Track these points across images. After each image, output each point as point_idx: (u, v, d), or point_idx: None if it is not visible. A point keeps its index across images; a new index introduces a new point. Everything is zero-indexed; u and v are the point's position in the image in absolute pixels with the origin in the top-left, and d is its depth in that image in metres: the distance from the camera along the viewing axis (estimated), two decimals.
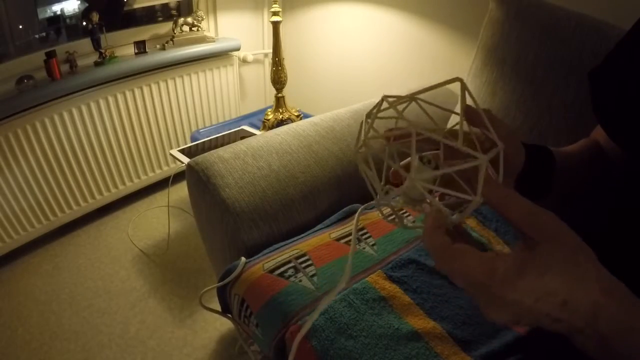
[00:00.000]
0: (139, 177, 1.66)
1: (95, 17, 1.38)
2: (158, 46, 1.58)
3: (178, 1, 1.66)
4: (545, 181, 0.43)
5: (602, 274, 0.27)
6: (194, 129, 1.71)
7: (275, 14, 1.31)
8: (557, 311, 0.26)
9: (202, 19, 1.62)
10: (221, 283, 0.69)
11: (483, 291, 0.28)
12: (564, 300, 0.26)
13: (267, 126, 1.49)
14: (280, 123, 1.46)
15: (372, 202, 0.37)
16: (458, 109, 0.32)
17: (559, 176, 0.44)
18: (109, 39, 1.46)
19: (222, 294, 0.72)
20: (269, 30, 1.82)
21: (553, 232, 0.27)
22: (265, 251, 0.71)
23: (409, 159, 0.37)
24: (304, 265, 0.65)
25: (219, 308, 0.76)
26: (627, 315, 0.25)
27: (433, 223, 0.29)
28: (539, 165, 0.42)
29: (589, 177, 0.48)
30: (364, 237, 0.72)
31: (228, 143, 0.95)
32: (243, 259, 0.69)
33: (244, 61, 1.86)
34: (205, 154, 0.81)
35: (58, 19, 1.42)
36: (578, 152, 0.49)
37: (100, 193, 1.56)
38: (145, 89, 1.53)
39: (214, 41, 1.65)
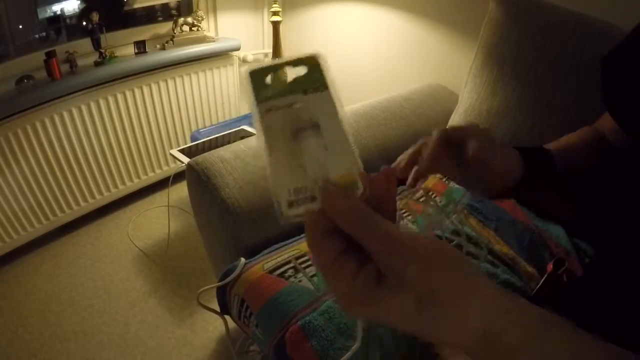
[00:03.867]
0: (139, 177, 1.65)
1: (95, 17, 1.38)
2: (158, 46, 1.58)
3: (178, 1, 1.66)
4: (547, 182, 0.44)
5: (473, 320, 0.22)
6: (194, 129, 1.71)
7: (275, 13, 1.31)
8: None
9: (202, 19, 1.62)
10: (220, 283, 0.69)
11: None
12: (412, 333, 0.23)
13: None
14: None
15: None
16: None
17: (560, 174, 0.44)
18: (109, 38, 1.46)
19: (222, 295, 0.72)
20: (269, 30, 1.82)
21: (398, 273, 0.22)
22: (265, 251, 0.71)
23: None
24: (303, 265, 0.65)
25: (217, 308, 0.76)
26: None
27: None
28: (538, 170, 0.43)
29: (594, 169, 0.48)
30: None
31: (228, 143, 0.95)
32: (242, 259, 0.69)
33: (244, 61, 1.86)
34: (205, 154, 0.81)
35: (58, 18, 1.42)
36: (580, 144, 0.49)
37: (100, 193, 1.56)
38: (145, 89, 1.52)
39: (214, 41, 1.65)
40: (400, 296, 0.22)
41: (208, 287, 0.72)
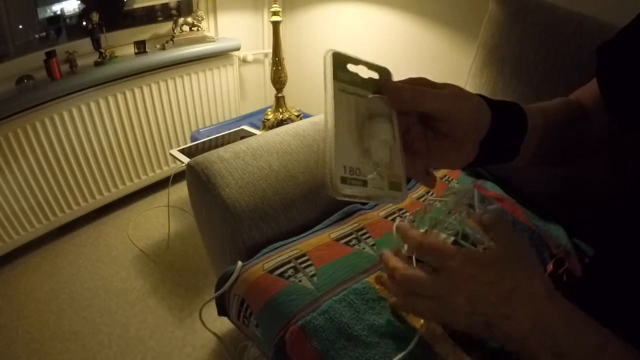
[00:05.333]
0: (139, 177, 1.66)
1: (95, 17, 1.38)
2: (158, 46, 1.58)
3: (178, 1, 1.66)
4: (515, 143, 0.39)
5: (546, 279, 0.34)
6: (194, 129, 1.71)
7: (275, 13, 1.31)
8: (497, 309, 0.32)
9: (202, 19, 1.62)
10: (217, 293, 0.69)
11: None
12: (510, 290, 0.32)
13: (267, 126, 1.49)
14: (280, 123, 1.46)
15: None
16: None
17: (534, 136, 0.40)
18: (109, 38, 1.46)
19: (220, 296, 0.72)
20: (269, 30, 1.82)
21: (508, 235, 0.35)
22: (264, 250, 0.71)
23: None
24: (303, 265, 0.65)
25: (215, 310, 0.76)
26: (566, 325, 0.32)
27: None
28: (508, 127, 0.37)
29: (569, 136, 0.45)
30: (363, 237, 0.72)
31: (228, 143, 0.95)
32: (239, 262, 0.69)
33: (244, 61, 1.86)
34: (205, 153, 0.81)
35: (58, 18, 1.42)
36: (556, 110, 0.46)
37: (100, 193, 1.56)
38: (145, 89, 1.53)
39: (214, 41, 1.65)
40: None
41: (207, 300, 0.72)
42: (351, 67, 0.30)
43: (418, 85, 0.32)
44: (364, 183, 0.25)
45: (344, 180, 0.24)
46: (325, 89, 0.27)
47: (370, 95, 0.28)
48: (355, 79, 0.29)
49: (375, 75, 0.30)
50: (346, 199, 0.25)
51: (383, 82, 0.30)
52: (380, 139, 0.26)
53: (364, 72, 0.30)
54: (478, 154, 0.35)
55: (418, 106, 0.31)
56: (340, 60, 0.29)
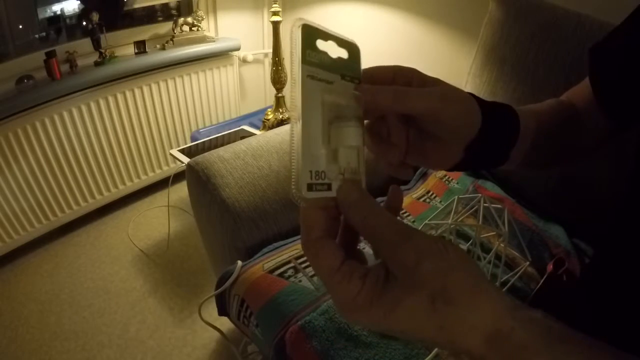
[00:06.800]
0: (139, 177, 1.66)
1: (95, 17, 1.38)
2: (158, 46, 1.58)
3: (178, 1, 1.66)
4: (505, 148, 0.35)
5: (484, 319, 0.21)
6: (194, 129, 1.71)
7: (275, 13, 1.31)
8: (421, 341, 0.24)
9: (202, 19, 1.62)
10: (217, 291, 0.69)
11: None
12: (422, 339, 0.23)
13: (267, 126, 1.49)
14: (281, 123, 1.46)
15: None
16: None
17: (526, 140, 0.37)
18: (109, 38, 1.46)
19: (220, 296, 0.72)
20: (269, 30, 1.82)
21: (411, 267, 0.21)
22: (264, 250, 0.71)
23: None
24: (303, 265, 0.65)
25: (216, 311, 0.76)
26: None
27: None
28: (499, 131, 0.34)
29: (561, 138, 0.44)
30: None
31: (228, 143, 0.95)
32: (239, 262, 0.69)
33: (244, 61, 1.86)
34: (205, 153, 0.82)
35: (58, 19, 1.42)
36: (548, 111, 0.44)
37: (100, 193, 1.56)
38: (145, 89, 1.53)
39: (214, 41, 1.65)
40: (414, 294, 0.21)
41: (207, 297, 0.72)
42: (321, 44, 0.26)
43: (405, 76, 0.30)
44: (329, 186, 0.23)
45: (310, 187, 0.23)
46: (291, 71, 0.24)
47: (339, 85, 0.25)
48: (324, 60, 0.25)
49: (344, 54, 0.27)
50: (314, 205, 0.23)
51: (356, 87, 0.27)
52: (350, 145, 0.24)
53: (334, 50, 0.26)
54: (464, 157, 0.32)
55: (400, 109, 0.28)
56: (310, 36, 0.25)
